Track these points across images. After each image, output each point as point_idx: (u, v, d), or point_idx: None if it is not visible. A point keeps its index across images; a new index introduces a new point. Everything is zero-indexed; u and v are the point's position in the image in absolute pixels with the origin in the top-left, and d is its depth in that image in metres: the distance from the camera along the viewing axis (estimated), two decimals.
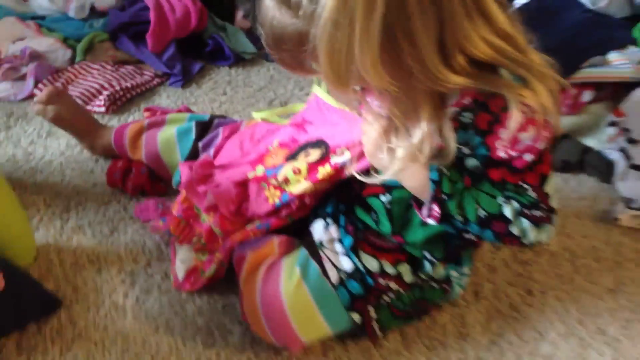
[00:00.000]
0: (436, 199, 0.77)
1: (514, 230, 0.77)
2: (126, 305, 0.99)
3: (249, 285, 0.89)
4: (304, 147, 0.94)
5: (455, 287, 0.95)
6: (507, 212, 0.76)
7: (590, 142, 1.28)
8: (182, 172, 1.02)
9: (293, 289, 0.86)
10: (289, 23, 0.68)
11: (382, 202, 0.88)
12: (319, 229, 0.91)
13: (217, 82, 1.54)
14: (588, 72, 1.25)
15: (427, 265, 0.90)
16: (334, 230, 0.90)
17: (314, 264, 0.88)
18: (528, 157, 0.75)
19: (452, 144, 0.74)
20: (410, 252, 0.90)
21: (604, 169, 1.25)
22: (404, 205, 0.87)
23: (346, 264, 0.88)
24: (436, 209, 0.78)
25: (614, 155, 1.23)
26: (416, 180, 0.79)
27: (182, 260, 0.97)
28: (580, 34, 1.30)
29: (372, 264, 0.88)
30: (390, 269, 0.88)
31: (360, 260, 0.88)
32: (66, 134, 1.31)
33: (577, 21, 1.33)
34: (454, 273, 0.94)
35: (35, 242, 1.07)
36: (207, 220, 0.95)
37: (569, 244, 1.13)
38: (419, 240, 0.88)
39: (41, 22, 1.65)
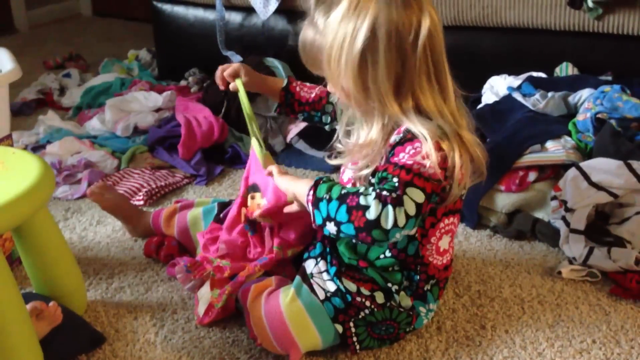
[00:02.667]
0: (315, 184, 1.02)
1: (362, 200, 0.95)
2: (156, 341, 1.24)
3: (254, 305, 1.15)
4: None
5: (421, 318, 1.19)
6: (361, 189, 0.98)
7: (539, 214, 1.54)
8: (199, 240, 1.32)
9: (289, 301, 1.12)
10: (311, 36, 1.08)
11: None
12: (310, 265, 1.18)
13: (234, 180, 1.87)
14: (530, 158, 1.54)
15: (396, 296, 1.16)
16: (322, 265, 1.17)
17: (305, 286, 1.15)
18: (406, 161, 0.98)
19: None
20: (375, 279, 1.15)
21: (552, 236, 1.51)
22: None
23: (331, 286, 1.14)
24: (311, 193, 1.01)
25: (558, 223, 1.49)
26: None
27: (201, 296, 1.23)
28: (523, 128, 1.61)
29: (351, 286, 1.14)
30: (365, 292, 1.14)
31: (342, 284, 1.14)
32: (112, 223, 1.63)
33: (521, 119, 1.64)
34: (421, 309, 1.19)
35: (86, 297, 1.34)
36: (217, 261, 1.24)
37: (519, 292, 1.36)
38: (373, 259, 1.15)
39: (94, 140, 2.03)
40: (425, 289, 1.18)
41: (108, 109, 2.10)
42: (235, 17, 2.36)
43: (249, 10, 2.31)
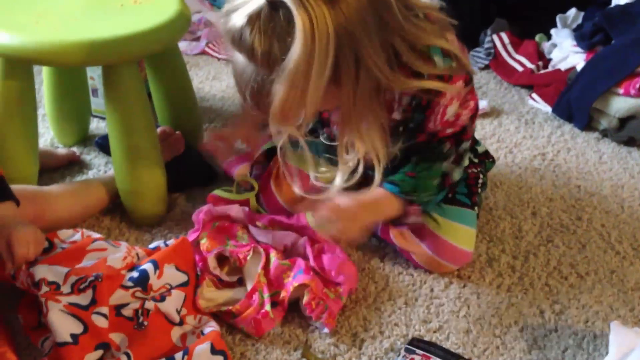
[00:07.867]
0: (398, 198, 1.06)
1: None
2: None
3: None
4: None
5: None
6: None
7: None
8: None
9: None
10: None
11: None
12: None
13: None
14: None
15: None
16: None
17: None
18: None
19: None
20: None
21: None
22: None
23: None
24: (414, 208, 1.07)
25: None
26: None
27: None
28: None
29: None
30: (473, 160, 1.18)
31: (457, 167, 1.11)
32: (227, 79, 1.72)
33: None
34: None
35: (203, 138, 1.44)
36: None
37: (620, 193, 1.35)
38: None
39: (213, 3, 2.09)
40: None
41: None
42: None
43: None
